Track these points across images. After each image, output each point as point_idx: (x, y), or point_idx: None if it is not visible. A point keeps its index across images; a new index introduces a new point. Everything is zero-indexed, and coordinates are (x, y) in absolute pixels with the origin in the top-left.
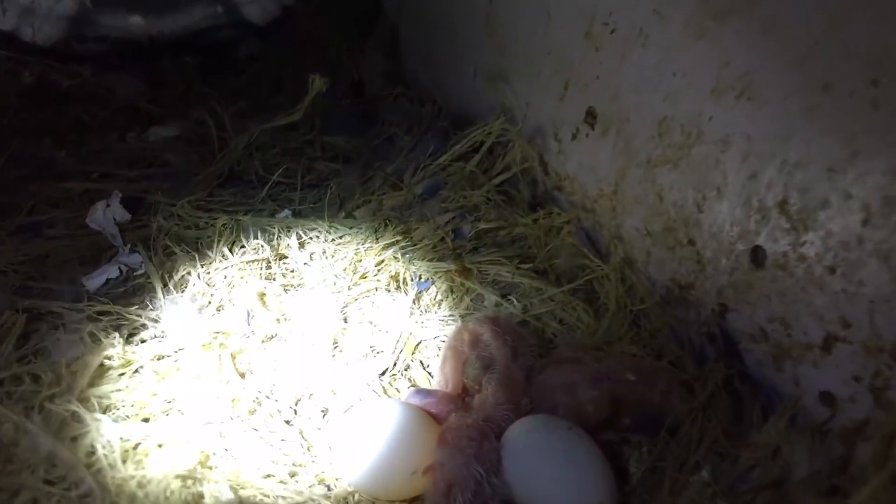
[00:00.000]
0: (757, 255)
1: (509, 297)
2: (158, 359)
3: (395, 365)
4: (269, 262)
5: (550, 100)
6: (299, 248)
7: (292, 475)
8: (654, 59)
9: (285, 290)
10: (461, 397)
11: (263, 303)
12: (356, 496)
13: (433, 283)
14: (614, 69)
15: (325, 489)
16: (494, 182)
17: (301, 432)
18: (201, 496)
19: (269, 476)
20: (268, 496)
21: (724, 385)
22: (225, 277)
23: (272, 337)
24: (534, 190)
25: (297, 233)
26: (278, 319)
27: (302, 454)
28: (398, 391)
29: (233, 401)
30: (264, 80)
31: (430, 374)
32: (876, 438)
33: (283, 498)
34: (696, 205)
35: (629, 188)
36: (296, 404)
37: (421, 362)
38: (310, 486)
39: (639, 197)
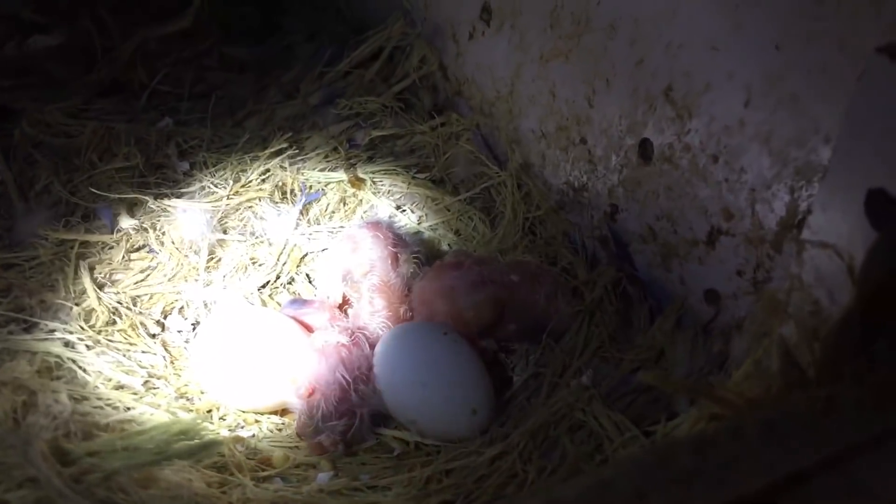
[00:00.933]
0: (645, 149)
1: (404, 207)
2: (6, 268)
3: (277, 278)
4: (143, 170)
5: None
6: (178, 157)
7: (149, 388)
8: None
9: (156, 199)
10: (341, 307)
11: (131, 213)
12: (220, 409)
13: (324, 193)
14: None
15: (186, 402)
16: (395, 90)
17: (165, 345)
18: (32, 405)
19: (120, 388)
20: (116, 407)
21: (614, 288)
22: (90, 187)
23: (139, 247)
24: (435, 97)
25: (177, 141)
26: (146, 228)
27: (164, 367)
28: (279, 304)
29: (87, 312)
30: None
31: (315, 286)
32: (748, 332)
33: (134, 409)
34: (587, 99)
35: (524, 87)
36: (163, 317)
37: (307, 275)
38: (167, 399)
39: (533, 96)
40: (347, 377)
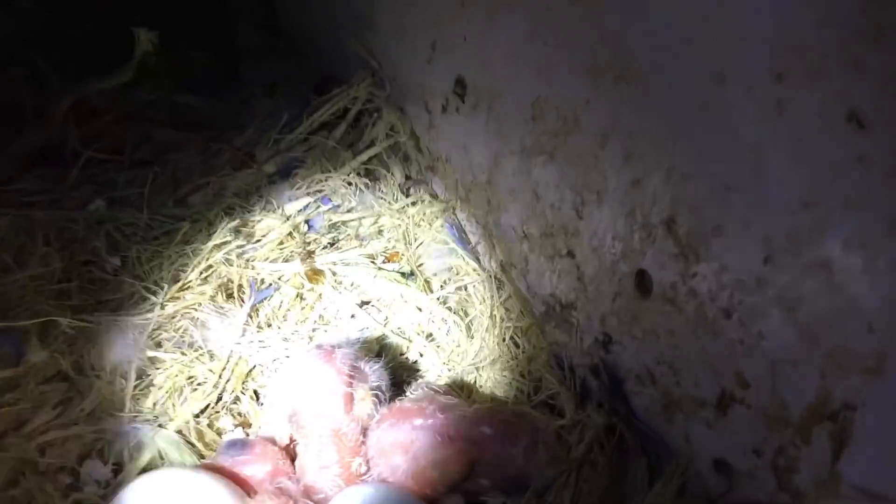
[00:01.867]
0: (643, 281)
1: (369, 305)
2: None
3: (219, 399)
4: (63, 273)
5: (418, 61)
6: (108, 250)
7: None
8: (525, 24)
9: (75, 315)
10: (288, 448)
11: (43, 338)
12: None
13: (277, 289)
14: (483, 31)
15: None
16: (361, 158)
17: None
18: None
19: None
20: None
21: (607, 434)
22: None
23: (52, 377)
24: (406, 169)
25: (108, 230)
26: (61, 353)
27: None
28: (218, 438)
29: None
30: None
31: (263, 411)
32: None
33: None
34: (576, 209)
35: (504, 179)
36: (79, 464)
37: (255, 393)
38: None
39: (514, 190)
40: None
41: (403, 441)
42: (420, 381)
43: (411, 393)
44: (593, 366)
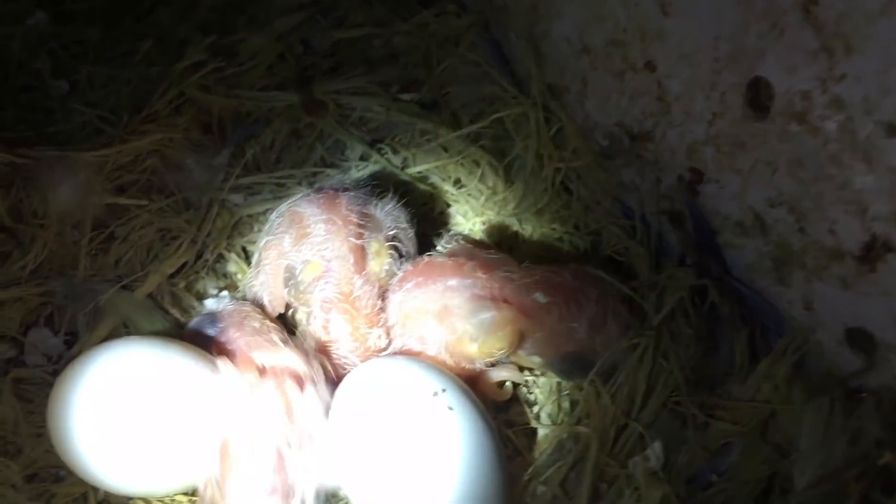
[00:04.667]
0: (757, 94)
1: (382, 144)
2: None
3: (198, 258)
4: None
5: None
6: (53, 73)
7: None
8: None
9: (14, 148)
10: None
11: None
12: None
13: (266, 125)
14: None
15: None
16: None
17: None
18: None
19: None
20: None
21: (693, 301)
22: None
23: None
24: None
25: (52, 48)
26: None
27: (14, 425)
28: (197, 304)
29: None
30: None
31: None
32: None
33: None
34: (660, 3)
35: None
36: (23, 332)
37: (243, 249)
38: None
39: None
40: (290, 435)
41: (434, 305)
42: (452, 232)
43: (442, 247)
44: (674, 213)
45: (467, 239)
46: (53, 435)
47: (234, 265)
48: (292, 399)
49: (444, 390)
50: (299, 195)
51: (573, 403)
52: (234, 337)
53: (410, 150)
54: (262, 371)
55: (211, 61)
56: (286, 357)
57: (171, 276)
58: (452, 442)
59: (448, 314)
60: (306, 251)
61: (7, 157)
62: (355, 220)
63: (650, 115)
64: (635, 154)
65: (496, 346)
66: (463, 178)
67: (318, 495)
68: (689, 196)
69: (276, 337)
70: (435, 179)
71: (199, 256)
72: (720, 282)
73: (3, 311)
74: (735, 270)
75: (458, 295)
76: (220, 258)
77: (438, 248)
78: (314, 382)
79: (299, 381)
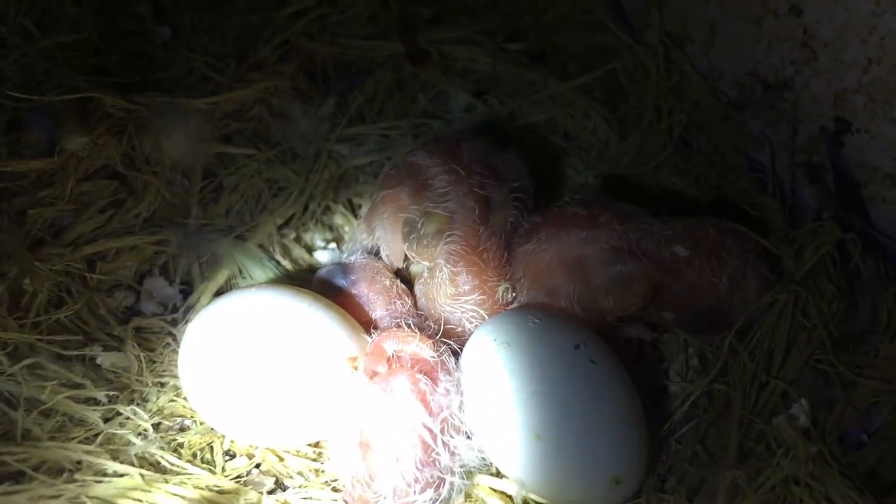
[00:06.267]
0: None
1: (488, 95)
2: None
3: (305, 209)
4: (101, 44)
5: None
6: (155, 19)
7: (112, 416)
8: None
9: (120, 94)
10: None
11: (83, 120)
12: (224, 443)
13: (370, 74)
14: None
15: (172, 434)
16: None
17: (136, 337)
18: None
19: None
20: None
21: (835, 257)
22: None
23: (96, 172)
24: None
25: None
26: (106, 143)
27: (136, 374)
28: (307, 255)
29: (13, 291)
30: None
31: (360, 223)
32: None
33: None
34: None
35: None
36: (138, 281)
37: (349, 202)
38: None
39: None
40: (431, 426)
41: (567, 257)
42: (579, 182)
43: (570, 197)
44: (811, 165)
45: (595, 190)
46: (184, 383)
47: (340, 217)
48: (427, 391)
49: (585, 343)
50: (413, 146)
51: (703, 360)
52: (365, 292)
53: (517, 101)
54: (392, 362)
55: (313, 9)
56: (416, 346)
57: (280, 226)
58: (596, 396)
59: (582, 266)
60: (428, 203)
61: (121, 103)
62: (479, 169)
63: (791, 63)
64: (768, 105)
65: (631, 300)
66: (572, 131)
67: (464, 476)
68: (832, 147)
69: (400, 304)
70: (543, 132)
71: (305, 208)
72: (865, 237)
73: (120, 259)
74: (880, 225)
75: (593, 247)
76: (327, 210)
77: (566, 199)
78: (448, 372)
79: (431, 372)
